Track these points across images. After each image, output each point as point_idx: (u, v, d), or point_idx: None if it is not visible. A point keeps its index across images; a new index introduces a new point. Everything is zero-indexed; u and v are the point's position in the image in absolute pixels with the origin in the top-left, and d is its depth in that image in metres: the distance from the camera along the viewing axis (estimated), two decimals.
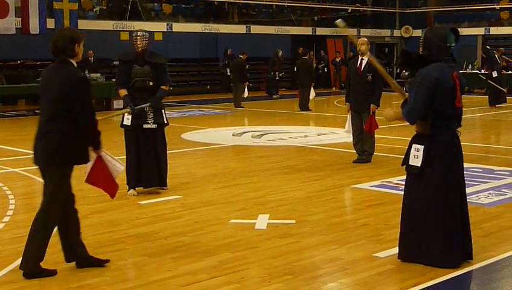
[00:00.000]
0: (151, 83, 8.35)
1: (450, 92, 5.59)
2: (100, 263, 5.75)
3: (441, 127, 5.61)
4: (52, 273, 5.53)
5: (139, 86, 8.36)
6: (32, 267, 5.44)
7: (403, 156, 5.88)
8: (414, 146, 5.71)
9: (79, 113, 5.39)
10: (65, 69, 5.48)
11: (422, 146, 5.63)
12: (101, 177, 5.69)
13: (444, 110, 5.59)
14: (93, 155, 5.61)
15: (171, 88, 8.77)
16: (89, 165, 5.66)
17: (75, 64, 5.56)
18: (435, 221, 5.60)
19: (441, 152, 5.59)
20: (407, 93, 5.79)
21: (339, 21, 6.47)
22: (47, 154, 5.43)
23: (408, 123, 5.71)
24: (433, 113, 5.58)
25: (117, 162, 5.86)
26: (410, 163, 5.72)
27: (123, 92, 8.37)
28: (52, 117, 5.46)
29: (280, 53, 27.16)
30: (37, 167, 5.59)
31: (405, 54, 5.95)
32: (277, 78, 27.17)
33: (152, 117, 8.39)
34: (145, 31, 8.54)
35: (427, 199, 5.61)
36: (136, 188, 8.57)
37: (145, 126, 8.40)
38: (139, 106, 8.30)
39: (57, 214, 5.53)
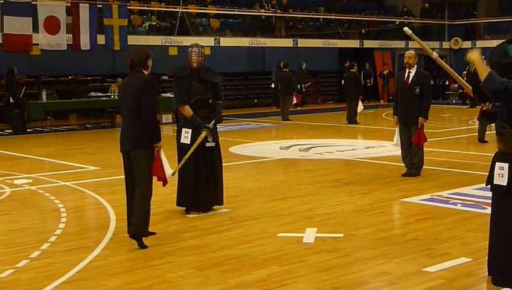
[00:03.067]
0: (210, 101, 8.30)
1: None
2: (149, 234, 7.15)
3: None
4: (153, 233, 7.23)
5: (200, 105, 8.23)
6: (143, 230, 6.93)
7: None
8: (498, 164, 5.45)
9: (144, 106, 6.78)
10: (138, 76, 6.95)
11: (507, 164, 5.37)
12: (159, 169, 7.04)
13: None
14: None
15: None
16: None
17: (146, 74, 7.00)
18: None
19: None
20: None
21: (406, 28, 6.50)
22: (134, 140, 6.86)
23: (482, 83, 5.23)
24: None
25: (168, 166, 7.13)
26: (495, 182, 5.46)
27: (189, 110, 8.15)
28: (132, 112, 6.86)
29: (304, 66, 27.89)
30: (124, 152, 6.99)
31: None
32: (303, 89, 27.93)
33: (211, 135, 8.25)
34: (201, 47, 8.35)
35: None
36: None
37: (207, 144, 8.23)
38: (210, 124, 8.18)
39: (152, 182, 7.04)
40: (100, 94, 21.95)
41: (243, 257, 6.44)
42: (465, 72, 25.92)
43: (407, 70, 10.83)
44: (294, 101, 23.14)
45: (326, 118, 23.54)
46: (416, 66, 10.81)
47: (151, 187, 6.98)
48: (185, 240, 7.10)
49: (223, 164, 8.57)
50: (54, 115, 20.57)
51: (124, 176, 7.14)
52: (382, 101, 31.32)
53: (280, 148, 14.98)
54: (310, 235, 7.19)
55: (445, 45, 35.00)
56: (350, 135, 18.09)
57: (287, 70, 22.93)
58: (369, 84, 31.10)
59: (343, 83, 23.46)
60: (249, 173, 11.67)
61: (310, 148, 14.85)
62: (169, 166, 7.18)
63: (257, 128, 20.22)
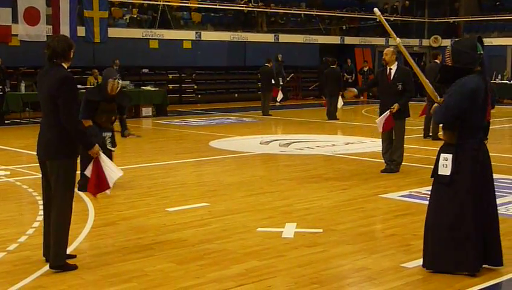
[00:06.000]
0: (114, 118, 9.64)
1: (482, 104, 5.64)
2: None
3: (467, 136, 5.63)
4: (74, 267, 5.87)
5: (105, 120, 9.45)
6: (62, 260, 5.83)
7: (432, 167, 5.86)
8: (442, 155, 5.73)
9: (61, 110, 5.72)
10: (55, 70, 5.88)
11: (451, 155, 5.65)
12: (95, 184, 6.12)
13: (473, 122, 5.63)
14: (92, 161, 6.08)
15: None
16: (88, 172, 6.12)
17: (66, 67, 5.94)
18: (463, 229, 5.59)
19: (469, 160, 5.61)
20: (438, 96, 5.79)
21: (375, 9, 6.61)
22: (49, 147, 5.83)
23: (435, 120, 5.87)
24: (462, 123, 5.61)
25: (115, 167, 6.27)
26: (439, 172, 5.72)
27: (88, 122, 9.18)
28: (48, 114, 5.85)
29: (280, 57, 28.11)
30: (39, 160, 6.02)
31: (444, 68, 5.89)
32: (282, 82, 27.62)
33: (110, 142, 9.50)
34: (118, 78, 9.51)
35: (455, 207, 5.62)
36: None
37: (109, 147, 9.40)
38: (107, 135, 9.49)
39: (71, 206, 5.94)
40: (80, 86, 21.78)
41: (222, 251, 6.44)
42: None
43: (388, 67, 10.87)
44: (280, 96, 23.18)
45: (306, 113, 23.59)
46: (396, 62, 10.84)
47: (69, 208, 5.90)
48: (164, 234, 7.09)
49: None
50: (33, 106, 20.40)
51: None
52: (362, 97, 31.40)
53: (260, 143, 14.99)
54: (289, 230, 7.20)
55: (425, 42, 35.19)
56: (330, 130, 18.15)
57: (269, 65, 22.91)
58: (350, 81, 31.17)
59: (323, 79, 23.50)
60: (229, 168, 11.67)
61: (290, 143, 14.88)
62: (117, 169, 6.35)
63: (237, 123, 20.21)
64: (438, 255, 5.72)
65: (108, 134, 9.53)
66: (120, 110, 9.81)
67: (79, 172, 7.49)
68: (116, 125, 9.82)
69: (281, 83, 27.14)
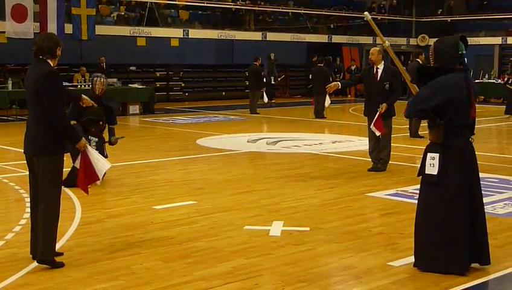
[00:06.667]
0: (101, 123, 9.74)
1: (465, 102, 5.65)
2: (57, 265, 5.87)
3: (453, 135, 5.66)
4: (61, 265, 5.86)
5: (91, 123, 9.56)
6: (51, 255, 5.84)
7: (419, 166, 5.88)
8: (429, 155, 5.74)
9: (47, 105, 5.72)
10: (40, 66, 5.89)
11: (438, 154, 5.67)
12: (85, 178, 6.14)
13: (458, 120, 5.65)
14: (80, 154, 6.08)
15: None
16: (77, 163, 6.12)
17: (52, 64, 5.95)
18: (453, 228, 5.62)
19: (456, 159, 5.64)
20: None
21: (366, 13, 6.65)
22: (36, 144, 5.83)
23: (404, 113, 5.87)
24: (446, 122, 5.64)
25: (103, 160, 6.32)
26: (426, 172, 5.74)
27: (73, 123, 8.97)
28: (33, 110, 5.85)
29: (273, 56, 28.25)
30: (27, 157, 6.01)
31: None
32: (274, 81, 27.40)
33: (95, 142, 9.56)
34: (104, 77, 9.78)
35: (444, 206, 5.64)
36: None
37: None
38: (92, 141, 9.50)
39: (59, 202, 5.93)
40: (67, 84, 21.71)
41: (209, 249, 6.44)
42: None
43: (375, 67, 10.88)
44: (266, 99, 23.12)
45: (293, 112, 23.61)
46: (383, 61, 10.86)
47: (57, 204, 5.91)
48: (151, 232, 7.08)
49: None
50: (20, 103, 20.28)
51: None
52: (349, 96, 31.50)
53: (247, 141, 15.00)
54: (276, 228, 7.21)
55: (412, 41, 35.28)
56: (317, 129, 18.17)
57: (257, 64, 22.88)
58: (338, 80, 31.15)
59: (310, 77, 23.54)
60: (216, 166, 11.66)
61: (278, 141, 14.89)
62: (105, 161, 6.43)
63: (225, 121, 20.20)
64: (428, 255, 5.74)
65: (95, 138, 9.59)
66: (110, 119, 9.87)
67: (67, 169, 7.46)
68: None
69: (273, 82, 27.12)
